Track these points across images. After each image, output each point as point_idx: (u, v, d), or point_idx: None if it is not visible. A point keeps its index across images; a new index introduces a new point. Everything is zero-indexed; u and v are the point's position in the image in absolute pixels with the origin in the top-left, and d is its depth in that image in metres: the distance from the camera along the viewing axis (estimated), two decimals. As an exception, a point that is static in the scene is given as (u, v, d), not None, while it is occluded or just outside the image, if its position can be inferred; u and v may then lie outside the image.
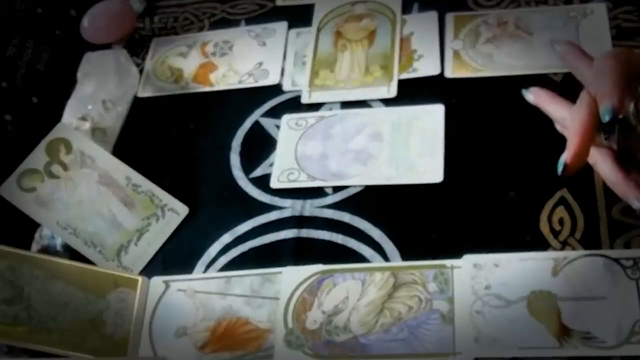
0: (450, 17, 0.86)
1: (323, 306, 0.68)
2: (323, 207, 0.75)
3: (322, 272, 0.70)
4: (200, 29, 0.95)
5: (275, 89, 0.86)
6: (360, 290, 0.68)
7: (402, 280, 0.67)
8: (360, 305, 0.67)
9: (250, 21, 0.94)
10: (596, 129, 0.61)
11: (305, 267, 0.70)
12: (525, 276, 0.64)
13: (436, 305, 0.65)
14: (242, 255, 0.74)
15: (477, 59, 0.81)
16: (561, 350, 0.60)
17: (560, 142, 0.70)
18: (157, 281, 0.74)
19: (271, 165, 0.79)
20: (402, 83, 0.82)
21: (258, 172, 0.79)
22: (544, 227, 0.68)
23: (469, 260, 0.67)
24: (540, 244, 0.67)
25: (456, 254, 0.67)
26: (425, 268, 0.67)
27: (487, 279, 0.65)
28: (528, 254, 0.66)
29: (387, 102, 0.81)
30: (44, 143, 0.79)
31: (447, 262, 0.67)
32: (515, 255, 0.66)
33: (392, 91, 0.81)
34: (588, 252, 0.65)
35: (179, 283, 0.73)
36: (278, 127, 0.82)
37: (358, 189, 0.75)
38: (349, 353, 0.65)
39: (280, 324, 0.68)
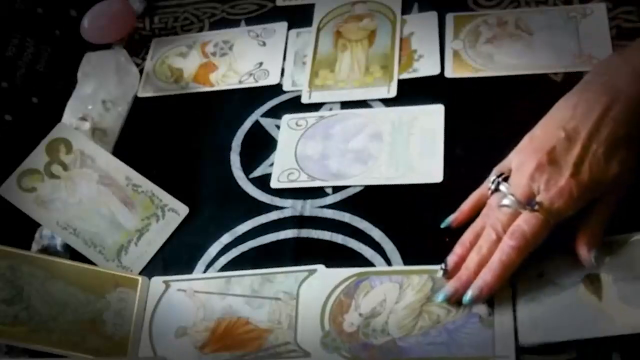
0: (450, 17, 0.86)
1: (360, 308, 0.66)
2: (323, 207, 0.75)
3: (358, 274, 0.69)
4: (200, 29, 0.95)
5: (275, 89, 0.86)
6: (398, 293, 0.66)
7: (440, 283, 0.66)
8: (398, 308, 0.66)
9: (250, 21, 0.94)
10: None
11: (341, 269, 0.69)
12: (577, 260, 0.62)
13: (475, 309, 0.64)
14: (242, 255, 0.74)
15: (477, 59, 0.81)
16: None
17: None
18: (157, 281, 0.74)
19: (271, 165, 0.79)
20: (402, 83, 0.82)
21: (258, 172, 0.79)
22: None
23: None
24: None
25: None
26: None
27: (538, 267, 0.63)
28: None
29: (387, 102, 0.81)
30: (44, 143, 0.79)
31: None
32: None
33: (392, 91, 0.81)
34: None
35: (179, 283, 0.73)
36: (278, 127, 0.82)
37: (358, 189, 0.75)
38: (387, 356, 0.63)
39: (317, 326, 0.66)
